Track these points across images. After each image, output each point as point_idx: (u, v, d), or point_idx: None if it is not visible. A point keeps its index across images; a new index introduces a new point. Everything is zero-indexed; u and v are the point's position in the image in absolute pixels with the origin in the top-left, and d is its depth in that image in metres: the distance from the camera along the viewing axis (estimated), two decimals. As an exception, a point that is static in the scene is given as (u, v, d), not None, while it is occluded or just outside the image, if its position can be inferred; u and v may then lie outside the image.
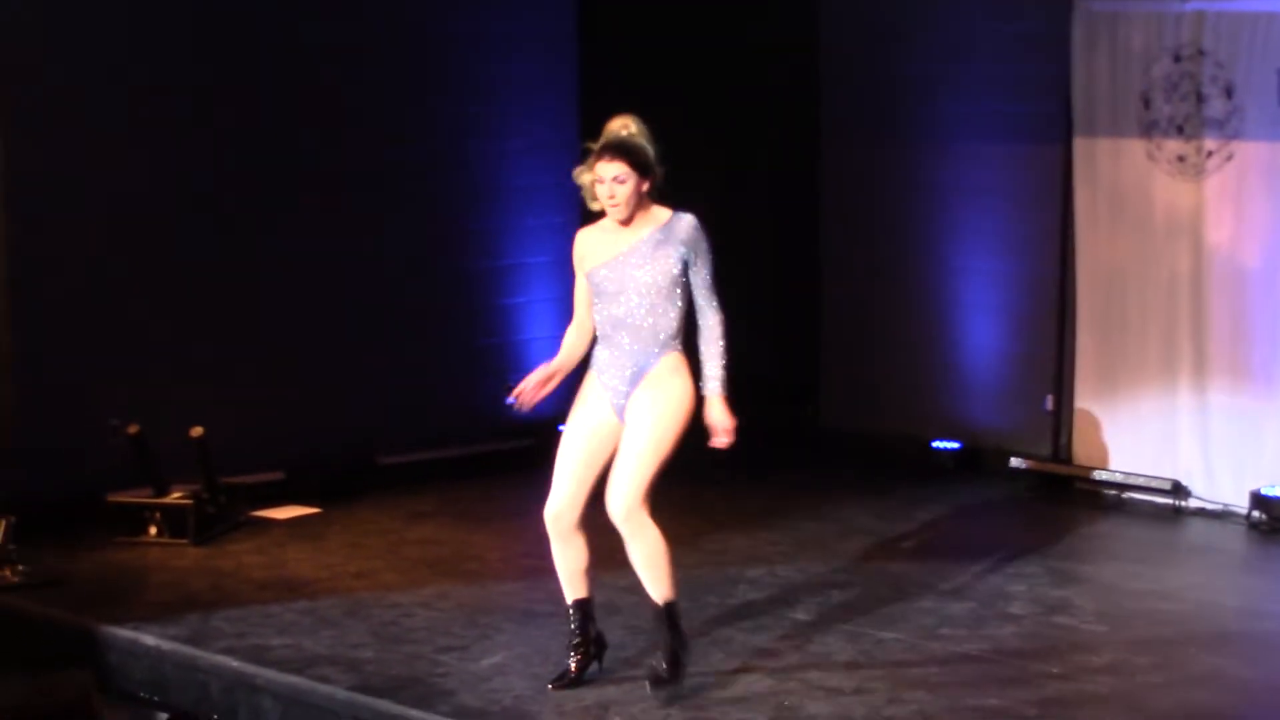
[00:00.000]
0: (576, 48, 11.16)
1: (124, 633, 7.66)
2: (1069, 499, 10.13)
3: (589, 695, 6.88)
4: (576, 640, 7.04)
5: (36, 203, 9.32)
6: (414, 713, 6.69)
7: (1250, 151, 9.48)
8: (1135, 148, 9.86)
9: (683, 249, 6.82)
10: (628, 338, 6.84)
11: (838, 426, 11.36)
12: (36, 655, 7.84)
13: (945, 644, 7.54)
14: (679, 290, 6.85)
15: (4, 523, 8.50)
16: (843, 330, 11.40)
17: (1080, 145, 10.10)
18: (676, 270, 6.82)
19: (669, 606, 6.86)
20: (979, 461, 10.64)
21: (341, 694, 6.92)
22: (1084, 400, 10.25)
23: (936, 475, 10.56)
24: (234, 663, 7.27)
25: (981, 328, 10.73)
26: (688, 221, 6.86)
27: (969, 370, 10.78)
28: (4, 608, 8.17)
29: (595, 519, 7.03)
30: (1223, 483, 9.70)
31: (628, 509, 6.82)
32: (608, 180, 6.80)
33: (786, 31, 11.82)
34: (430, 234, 10.67)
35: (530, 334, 11.06)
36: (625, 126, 6.96)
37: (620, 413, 6.90)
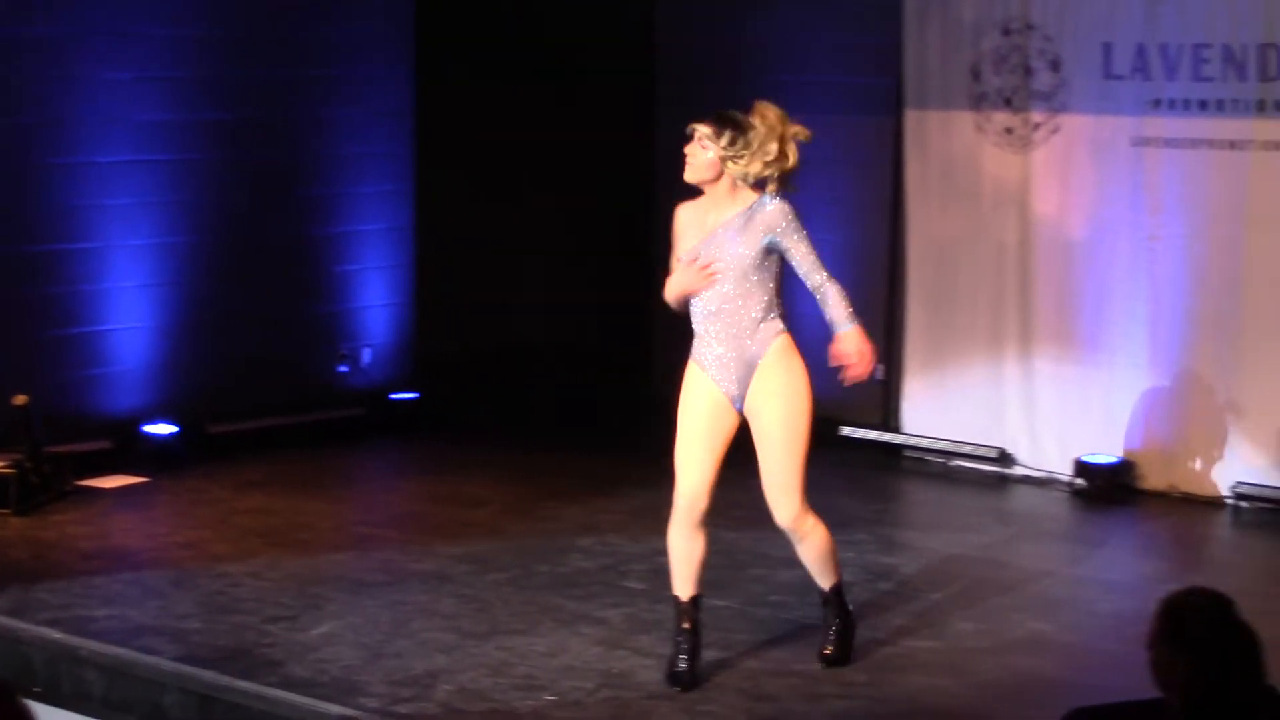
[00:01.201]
0: (413, 12, 11.07)
1: (-56, 604, 7.53)
2: (898, 467, 10.25)
3: (418, 665, 6.86)
4: (695, 639, 6.75)
5: None
6: (240, 684, 6.63)
7: (1076, 124, 9.63)
8: (965, 120, 9.98)
9: (766, 234, 6.67)
10: (720, 324, 6.75)
11: (669, 397, 11.35)
12: None
13: (775, 611, 7.60)
14: (764, 273, 6.71)
15: None
16: (676, 300, 11.41)
17: (911, 117, 10.20)
18: (755, 254, 6.67)
19: (836, 591, 6.92)
20: (812, 428, 10.69)
21: (167, 665, 6.84)
22: (913, 369, 10.36)
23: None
24: (57, 635, 7.16)
25: (812, 297, 10.76)
26: (770, 206, 6.67)
27: (799, 339, 10.81)
28: None
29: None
30: (1047, 450, 9.85)
31: (794, 516, 6.76)
32: (695, 139, 6.71)
33: (624, 2, 11.83)
34: (261, 201, 10.55)
35: (363, 302, 10.99)
36: (760, 113, 6.76)
37: (735, 401, 6.80)
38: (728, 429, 6.83)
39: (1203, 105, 9.24)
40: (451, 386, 11.33)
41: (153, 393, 10.13)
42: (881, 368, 10.47)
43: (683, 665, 6.70)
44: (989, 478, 9.99)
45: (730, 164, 6.66)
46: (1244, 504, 9.28)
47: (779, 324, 6.79)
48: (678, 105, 11.29)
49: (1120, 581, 8.10)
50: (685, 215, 6.80)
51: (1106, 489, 9.52)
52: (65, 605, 7.51)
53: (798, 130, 6.77)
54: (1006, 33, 9.80)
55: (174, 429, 9.99)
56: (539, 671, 6.81)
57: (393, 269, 11.07)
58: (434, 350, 11.40)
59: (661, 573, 8.07)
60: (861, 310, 10.43)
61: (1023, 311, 9.89)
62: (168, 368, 10.22)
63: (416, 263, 11.19)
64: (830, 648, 6.95)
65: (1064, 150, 9.68)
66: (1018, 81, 9.78)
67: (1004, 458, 9.99)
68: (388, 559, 8.26)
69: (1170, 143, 9.35)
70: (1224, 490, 9.35)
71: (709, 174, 6.70)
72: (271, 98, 10.52)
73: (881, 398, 10.49)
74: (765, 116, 6.73)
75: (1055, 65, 9.65)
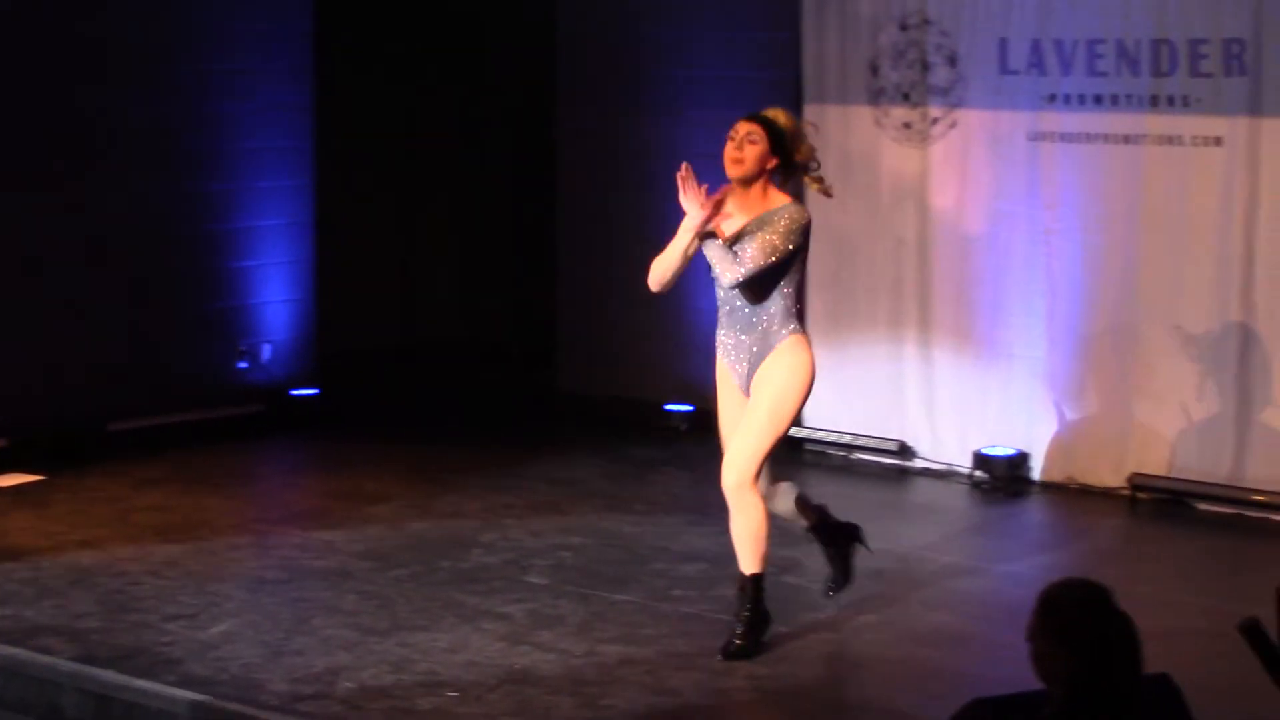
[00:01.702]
0: (311, 7, 11.01)
1: None
2: (798, 460, 10.26)
3: (319, 662, 6.83)
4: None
5: None
6: (139, 683, 6.58)
7: (973, 119, 9.70)
8: (863, 115, 10.03)
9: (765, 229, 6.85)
10: (738, 320, 6.99)
11: (573, 390, 11.41)
12: None
13: (677, 605, 7.62)
14: (779, 272, 6.88)
15: None
16: (578, 296, 11.43)
17: (810, 111, 10.22)
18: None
19: (754, 581, 6.99)
20: (711, 424, 10.69)
21: (65, 665, 6.78)
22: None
23: (670, 438, 10.65)
24: (-49, 635, 7.09)
25: (712, 291, 10.80)
26: (790, 210, 6.90)
27: (701, 334, 10.85)
28: None
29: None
30: (947, 443, 9.92)
31: (737, 483, 6.94)
32: (739, 137, 6.90)
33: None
34: (161, 196, 10.46)
35: (264, 298, 10.93)
36: (776, 115, 7.05)
37: (744, 386, 7.05)
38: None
39: (1098, 100, 9.32)
40: (352, 382, 11.29)
41: (50, 390, 10.01)
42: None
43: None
44: (889, 470, 10.05)
45: (775, 163, 6.93)
46: (1141, 495, 9.37)
47: (794, 323, 6.97)
48: (579, 101, 11.32)
49: (1019, 573, 8.16)
50: (726, 202, 6.99)
51: (1005, 481, 9.60)
52: (-40, 605, 7.44)
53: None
54: (904, 28, 9.86)
55: (72, 426, 9.88)
56: (441, 668, 6.80)
57: (293, 264, 11.01)
58: (335, 346, 11.35)
59: (563, 568, 8.10)
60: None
61: (922, 305, 9.95)
62: (65, 364, 10.11)
63: (317, 258, 11.13)
64: (738, 640, 6.99)
65: (961, 145, 9.75)
66: (915, 76, 9.84)
67: (904, 450, 10.05)
68: (288, 556, 8.22)
69: (1066, 137, 9.43)
70: (1121, 482, 9.44)
71: (758, 173, 6.92)
72: (169, 93, 10.43)
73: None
74: (779, 117, 7.06)
75: (952, 60, 9.71)
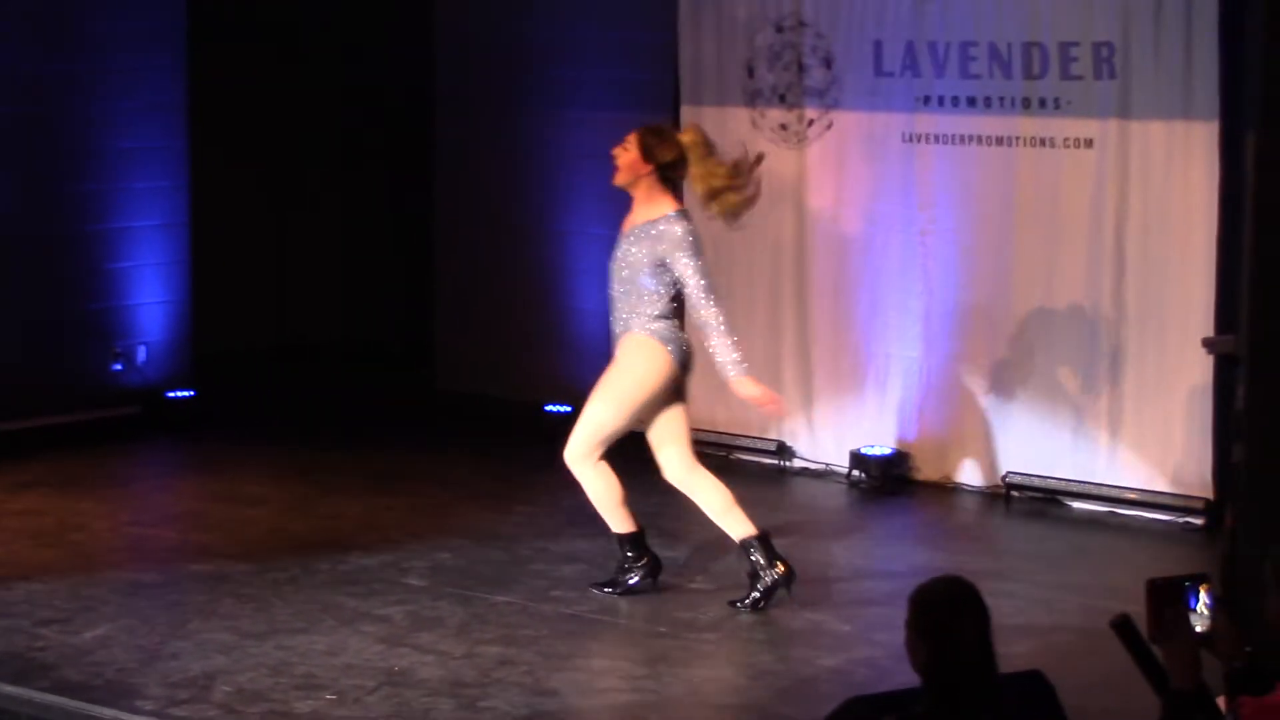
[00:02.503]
0: (184, 4, 10.90)
1: None
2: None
3: (195, 666, 6.79)
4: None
5: None
6: (10, 689, 6.50)
7: (849, 120, 9.77)
8: (740, 116, 10.07)
9: (660, 247, 7.40)
10: (617, 309, 7.54)
11: (454, 391, 11.38)
12: None
13: (557, 605, 7.63)
14: (652, 281, 7.44)
15: None
16: (458, 295, 11.41)
17: (687, 113, 10.25)
18: (644, 263, 7.44)
19: (630, 536, 7.68)
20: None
21: (-66, 672, 6.69)
22: (695, 361, 10.40)
23: (550, 439, 10.59)
24: None
25: (594, 292, 10.82)
26: (672, 226, 7.42)
27: (581, 334, 10.89)
28: None
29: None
30: (824, 443, 9.98)
31: (571, 457, 7.61)
32: (622, 143, 7.50)
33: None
34: (33, 196, 10.34)
35: (138, 299, 10.82)
36: (685, 131, 7.69)
37: None
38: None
39: (971, 102, 9.42)
40: (229, 384, 11.20)
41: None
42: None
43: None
44: (768, 470, 10.10)
45: (648, 169, 7.47)
46: (1015, 493, 9.48)
47: (659, 326, 7.49)
48: (457, 100, 11.29)
49: (896, 571, 8.23)
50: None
51: (882, 480, 9.67)
52: None
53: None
54: (780, 30, 9.91)
55: (-58, 430, 9.77)
56: (319, 670, 6.78)
57: (168, 265, 10.91)
58: (211, 348, 11.26)
59: (442, 569, 8.08)
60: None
61: (799, 306, 10.01)
62: (-65, 367, 9.99)
63: (192, 259, 11.04)
64: (622, 577, 7.69)
65: (838, 146, 9.82)
66: (791, 78, 9.89)
67: (783, 450, 10.10)
68: (164, 559, 8.16)
69: (940, 139, 9.52)
70: (996, 480, 9.54)
71: (632, 180, 7.49)
72: (40, 92, 10.31)
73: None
74: (691, 134, 7.67)
75: (828, 62, 9.78)
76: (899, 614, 4.21)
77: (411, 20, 11.67)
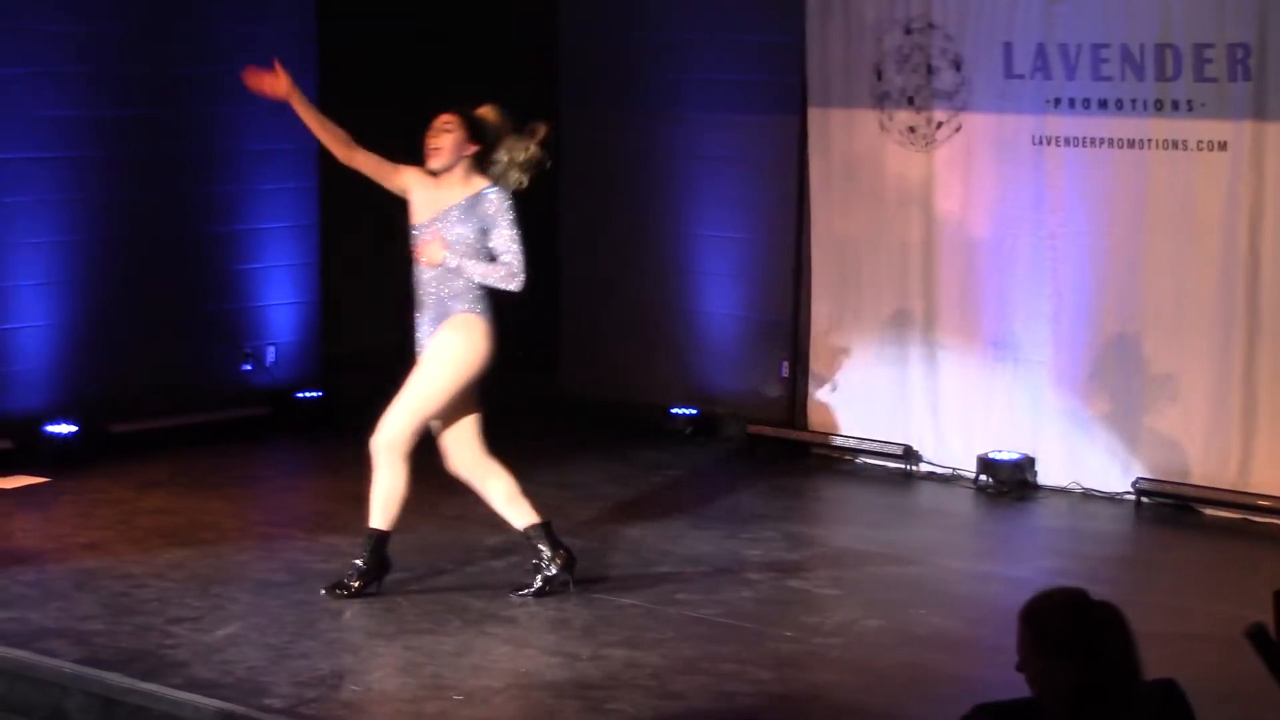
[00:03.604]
0: (314, 9, 11.00)
1: None
2: (804, 464, 10.28)
3: (323, 665, 6.83)
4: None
5: None
6: (144, 685, 6.57)
7: (978, 123, 9.70)
8: (868, 118, 10.02)
9: (482, 222, 7.48)
10: (431, 291, 7.54)
11: (577, 393, 11.40)
12: None
13: (681, 609, 7.61)
14: (476, 257, 7.47)
15: None
16: (581, 298, 11.43)
17: (815, 115, 10.24)
18: (473, 238, 7.47)
19: (379, 534, 7.62)
20: (716, 427, 10.75)
21: (69, 667, 6.77)
22: (818, 367, 10.40)
23: (674, 441, 10.64)
24: (-44, 638, 7.09)
25: (719, 295, 10.83)
26: (491, 198, 7.48)
27: (706, 337, 10.88)
28: None
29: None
30: (952, 447, 9.91)
31: (385, 444, 7.53)
32: (436, 127, 7.51)
33: (528, 2, 11.82)
34: (164, 198, 10.47)
35: (266, 300, 10.92)
36: (485, 112, 7.64)
37: (421, 351, 7.62)
38: None
39: (1102, 104, 9.32)
40: (356, 385, 11.25)
41: (54, 392, 10.03)
42: (786, 364, 10.53)
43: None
44: (894, 474, 10.04)
45: (474, 150, 7.51)
46: (1144, 499, 9.37)
47: (477, 304, 7.52)
48: (582, 104, 11.31)
49: (1024, 577, 8.15)
50: (417, 182, 7.61)
51: (1010, 485, 9.59)
52: (-35, 608, 7.44)
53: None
54: (908, 31, 9.85)
55: (75, 429, 9.90)
56: (446, 671, 6.80)
57: (297, 267, 11.01)
58: (339, 348, 11.34)
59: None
60: (768, 307, 10.60)
61: (927, 309, 9.95)
62: (69, 367, 10.13)
63: (321, 261, 11.12)
64: (352, 583, 7.59)
65: (966, 149, 9.75)
66: (920, 80, 9.83)
67: (909, 454, 10.05)
68: (293, 559, 8.22)
69: (1071, 141, 9.43)
70: (1126, 485, 9.43)
71: (455, 161, 7.50)
72: (175, 94, 10.44)
73: (788, 396, 10.53)
74: (489, 113, 7.66)
75: (957, 64, 9.71)
76: (1029, 621, 4.14)
77: (536, 22, 11.70)
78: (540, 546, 7.68)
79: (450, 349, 7.52)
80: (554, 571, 7.67)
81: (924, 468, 10.02)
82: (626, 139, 11.07)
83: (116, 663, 6.78)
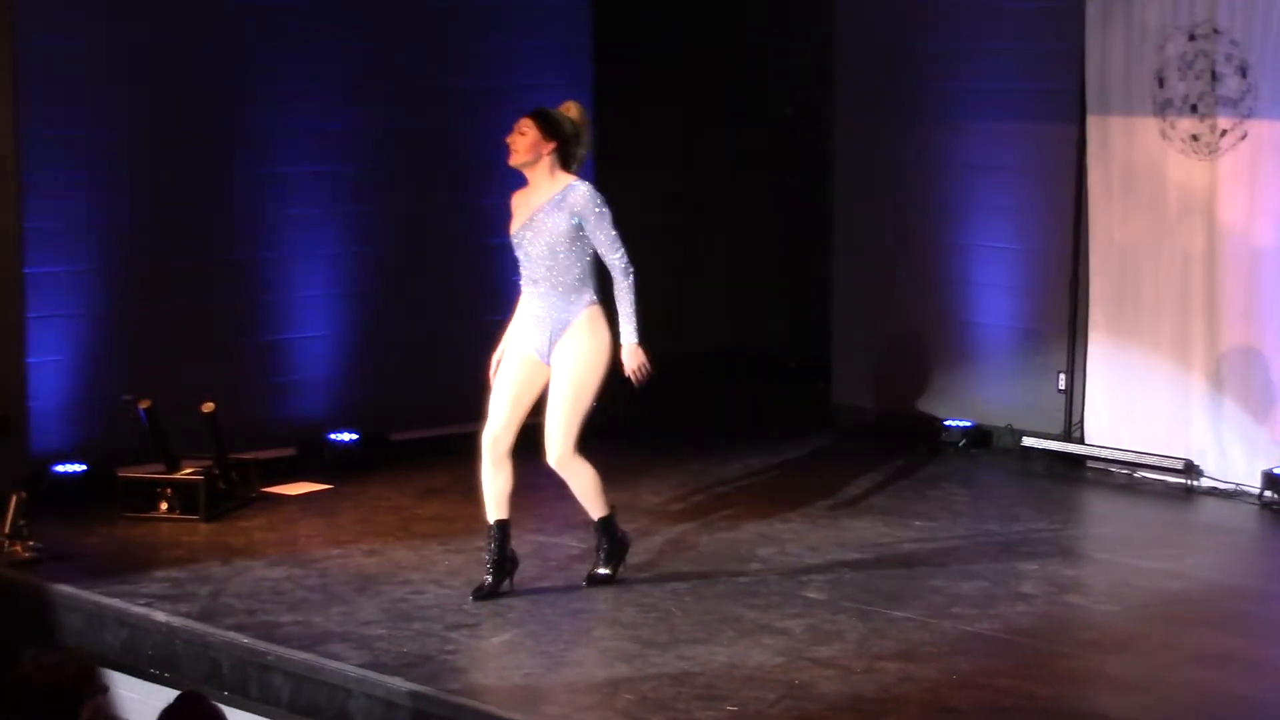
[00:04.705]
0: (590, 22, 11.10)
1: (135, 609, 7.67)
2: (1081, 478, 10.11)
3: (599, 673, 6.89)
4: (496, 558, 7.80)
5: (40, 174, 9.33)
6: (425, 690, 6.69)
7: (1264, 131, 9.44)
8: (1149, 126, 9.83)
9: (573, 216, 7.72)
10: (540, 290, 7.80)
11: (850, 404, 11.35)
12: (46, 631, 7.86)
13: (957, 623, 7.53)
14: (575, 249, 7.76)
15: (15, 498, 8.51)
16: (855, 308, 11.37)
17: (1094, 123, 10.07)
18: (569, 231, 7.73)
19: (605, 520, 7.97)
20: (991, 440, 10.62)
21: (352, 671, 6.92)
22: (1096, 379, 10.23)
23: (948, 454, 10.54)
24: (244, 639, 7.27)
25: (994, 305, 10.71)
26: (579, 190, 7.75)
27: (981, 348, 10.76)
28: (15, 582, 8.18)
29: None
30: (1235, 462, 9.67)
31: (560, 458, 7.82)
32: (514, 128, 7.84)
33: (804, 9, 11.81)
34: (441, 209, 10.65)
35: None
36: (566, 108, 7.94)
37: (544, 356, 7.84)
38: (537, 381, 7.88)
39: (1397, 110, 9.04)
40: (630, 394, 11.32)
41: (336, 400, 10.25)
42: (1063, 376, 10.37)
43: (487, 579, 7.79)
44: (1174, 490, 9.83)
45: (552, 147, 7.78)
46: None
47: (590, 294, 7.82)
48: (858, 111, 11.25)
49: (1311, 596, 7.96)
50: (515, 201, 7.93)
51: (1296, 501, 9.34)
52: (252, 610, 7.63)
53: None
54: (1192, 37, 9.64)
55: (357, 436, 10.11)
56: (720, 681, 6.81)
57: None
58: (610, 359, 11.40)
59: (841, 583, 8.06)
60: (1044, 318, 10.45)
61: (1209, 320, 9.72)
62: (350, 375, 10.34)
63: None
64: (601, 568, 7.96)
65: (1251, 158, 9.50)
66: (1204, 87, 9.61)
67: (1190, 469, 9.82)
68: (567, 567, 8.30)
69: (1362, 148, 9.15)
70: None
71: (534, 159, 7.79)
72: (451, 108, 10.61)
73: (1064, 407, 10.37)
74: (570, 110, 7.93)
75: (1243, 71, 9.47)
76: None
77: (812, 30, 11.67)
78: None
79: (589, 348, 7.79)
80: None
81: (1205, 483, 9.79)
82: (902, 148, 10.99)
83: (398, 667, 6.91)
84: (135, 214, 9.61)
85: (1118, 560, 8.54)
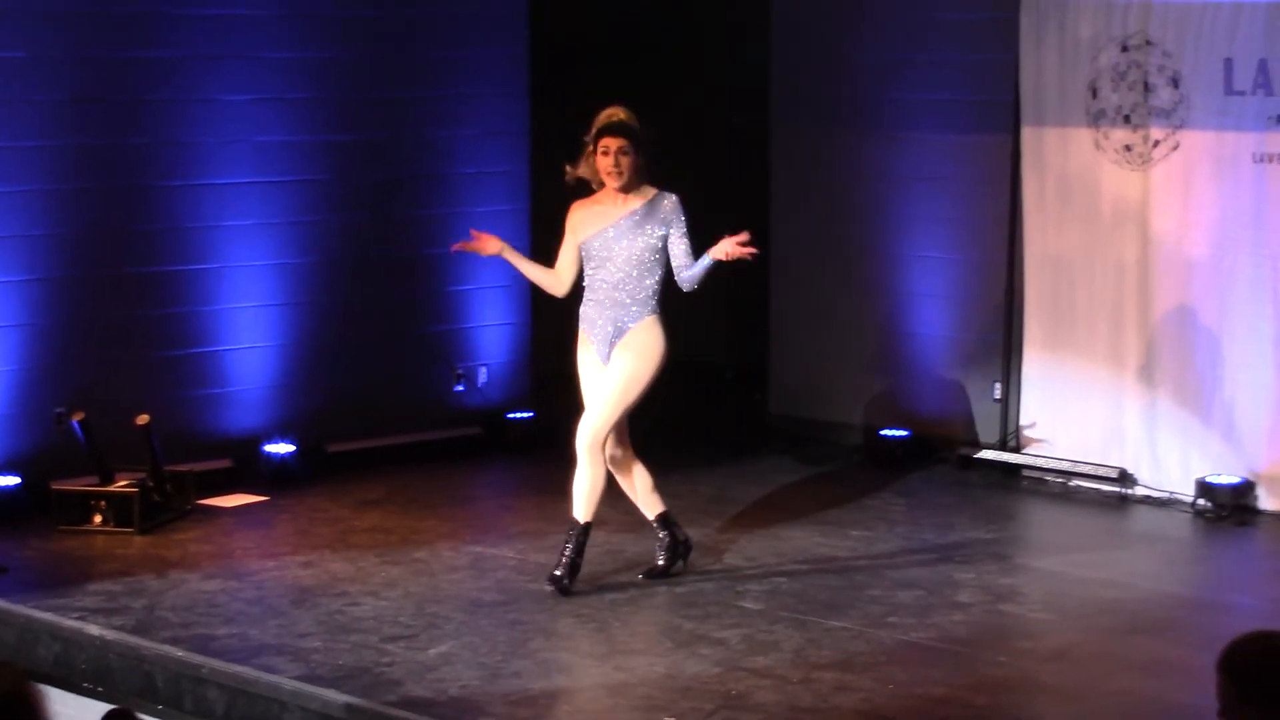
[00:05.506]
0: (527, 32, 11.10)
1: (69, 623, 7.61)
2: (1017, 487, 10.16)
3: (535, 685, 6.87)
4: (669, 543, 8.22)
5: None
6: (361, 702, 6.66)
7: (1196, 141, 9.52)
8: (1083, 136, 9.89)
9: (664, 225, 7.89)
10: (611, 298, 7.90)
11: (786, 414, 11.37)
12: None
13: (893, 632, 7.55)
14: (658, 260, 7.91)
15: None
16: (791, 318, 11.40)
17: (1028, 134, 10.13)
18: (656, 243, 7.90)
19: (583, 527, 8.00)
20: (927, 450, 10.65)
21: (288, 684, 6.88)
22: (1031, 388, 10.27)
23: (885, 464, 10.56)
24: (179, 653, 7.23)
25: (930, 316, 10.75)
26: (671, 198, 7.92)
27: (917, 358, 10.80)
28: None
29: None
30: (1169, 471, 9.73)
31: (589, 443, 7.91)
32: (613, 152, 7.87)
33: (739, 17, 11.83)
34: (377, 221, 10.62)
35: (478, 321, 11.03)
36: (615, 114, 7.97)
37: (605, 359, 7.96)
38: None
39: (1328, 122, 9.11)
40: (567, 406, 11.33)
41: (272, 412, 10.21)
42: (999, 386, 10.41)
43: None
44: (1109, 498, 9.89)
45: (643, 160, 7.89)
46: (1372, 525, 9.14)
47: (654, 304, 7.97)
48: (793, 123, 11.28)
49: (1245, 604, 8.00)
50: (581, 211, 8.06)
51: (1230, 510, 9.39)
52: (187, 624, 7.59)
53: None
54: (1125, 49, 9.71)
55: (293, 448, 10.07)
56: (657, 692, 6.81)
57: (508, 288, 11.09)
58: (550, 369, 11.40)
59: (778, 593, 8.07)
60: (980, 328, 10.50)
61: (1143, 330, 9.79)
62: (286, 387, 10.31)
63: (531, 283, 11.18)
64: (558, 570, 7.98)
65: (1184, 167, 9.58)
66: (1137, 98, 9.68)
67: (1125, 478, 9.88)
68: (505, 578, 8.29)
69: (1293, 159, 9.23)
70: (1351, 511, 9.21)
71: (634, 176, 7.89)
72: (387, 119, 10.59)
73: (1000, 416, 10.41)
74: (619, 115, 7.98)
75: (1175, 81, 9.54)
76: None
77: (747, 44, 11.70)
78: (662, 535, 8.19)
79: (645, 349, 7.91)
80: (664, 561, 8.20)
81: (1139, 491, 9.85)
82: (838, 157, 11.03)
83: (334, 680, 6.88)
84: (69, 225, 9.55)
85: (1053, 569, 8.58)
